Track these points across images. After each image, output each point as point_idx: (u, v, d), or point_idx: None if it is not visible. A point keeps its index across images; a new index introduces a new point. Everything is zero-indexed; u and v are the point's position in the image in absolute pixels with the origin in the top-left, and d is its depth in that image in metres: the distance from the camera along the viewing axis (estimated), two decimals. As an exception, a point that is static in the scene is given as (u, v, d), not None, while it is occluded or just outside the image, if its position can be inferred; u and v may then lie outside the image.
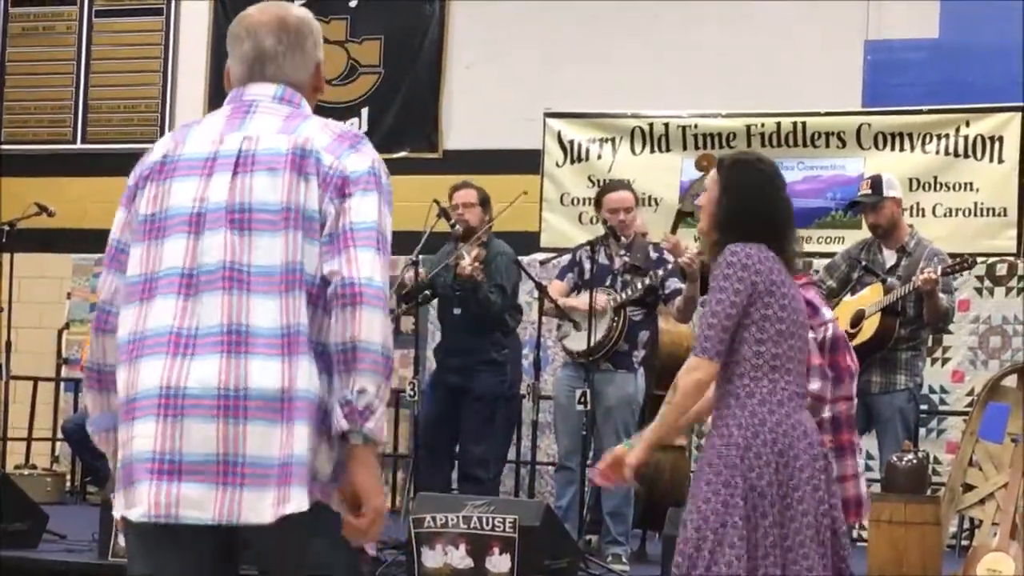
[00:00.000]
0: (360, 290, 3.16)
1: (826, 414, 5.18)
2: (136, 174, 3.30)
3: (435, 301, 9.02)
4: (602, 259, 8.42)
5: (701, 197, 4.74)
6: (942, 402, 9.87)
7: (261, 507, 3.08)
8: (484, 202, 8.74)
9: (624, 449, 4.50)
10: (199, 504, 3.08)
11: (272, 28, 3.37)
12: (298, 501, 3.09)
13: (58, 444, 11.42)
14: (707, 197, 4.61)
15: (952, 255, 7.97)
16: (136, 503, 3.12)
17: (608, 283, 8.38)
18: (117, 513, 3.19)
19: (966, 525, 8.92)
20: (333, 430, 3.13)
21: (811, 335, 4.84)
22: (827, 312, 5.49)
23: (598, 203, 8.58)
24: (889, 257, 7.97)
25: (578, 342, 8.29)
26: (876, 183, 8.03)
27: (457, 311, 8.70)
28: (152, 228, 3.22)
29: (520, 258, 9.00)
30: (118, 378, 3.20)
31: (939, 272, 7.61)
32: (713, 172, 4.67)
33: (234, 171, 3.21)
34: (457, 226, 8.74)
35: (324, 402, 3.14)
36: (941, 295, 7.71)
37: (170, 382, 3.11)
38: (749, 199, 4.52)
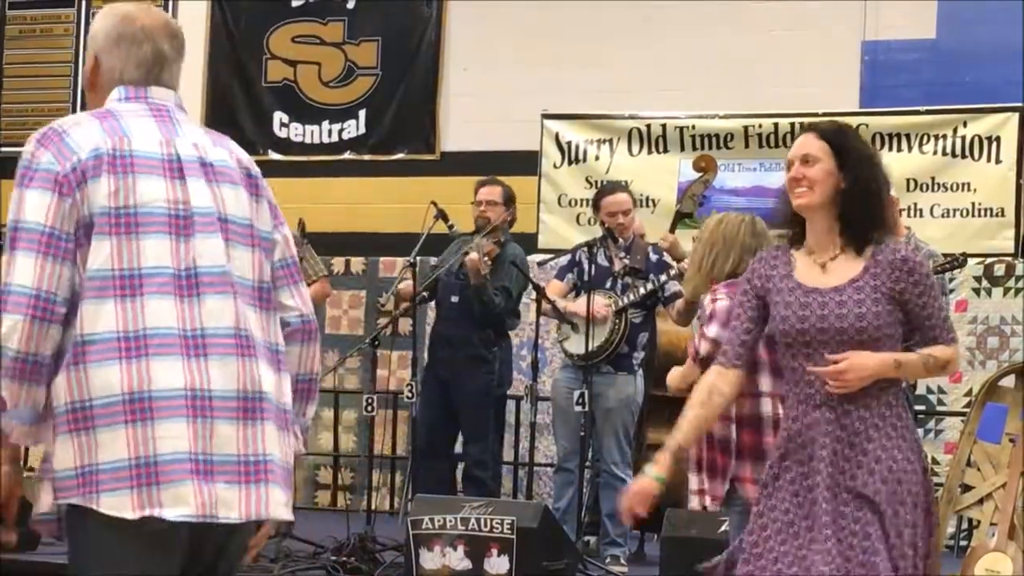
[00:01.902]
0: (314, 326, 3.44)
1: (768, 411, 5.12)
2: (71, 162, 3.16)
3: (435, 289, 8.98)
4: (601, 261, 8.43)
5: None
6: (940, 402, 9.88)
7: (283, 504, 3.21)
8: (508, 200, 8.75)
9: (651, 482, 4.34)
10: (229, 504, 3.13)
11: (166, 33, 3.46)
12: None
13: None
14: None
15: (949, 256, 7.98)
16: (179, 503, 3.07)
17: (608, 286, 8.39)
18: (127, 513, 3.05)
19: (964, 525, 8.92)
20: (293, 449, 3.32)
21: None
22: None
23: (596, 206, 8.59)
24: (885, 258, 7.97)
25: (578, 345, 8.30)
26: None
27: (455, 299, 8.68)
28: (121, 222, 3.15)
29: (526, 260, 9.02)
30: (95, 374, 3.09)
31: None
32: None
33: (207, 178, 3.27)
34: (454, 226, 8.75)
35: None
36: (936, 295, 7.71)
37: (193, 384, 3.12)
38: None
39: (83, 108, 3.49)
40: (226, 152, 3.36)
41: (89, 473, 3.07)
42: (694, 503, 5.30)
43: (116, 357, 3.10)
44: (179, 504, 3.07)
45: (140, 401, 3.09)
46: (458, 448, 9.06)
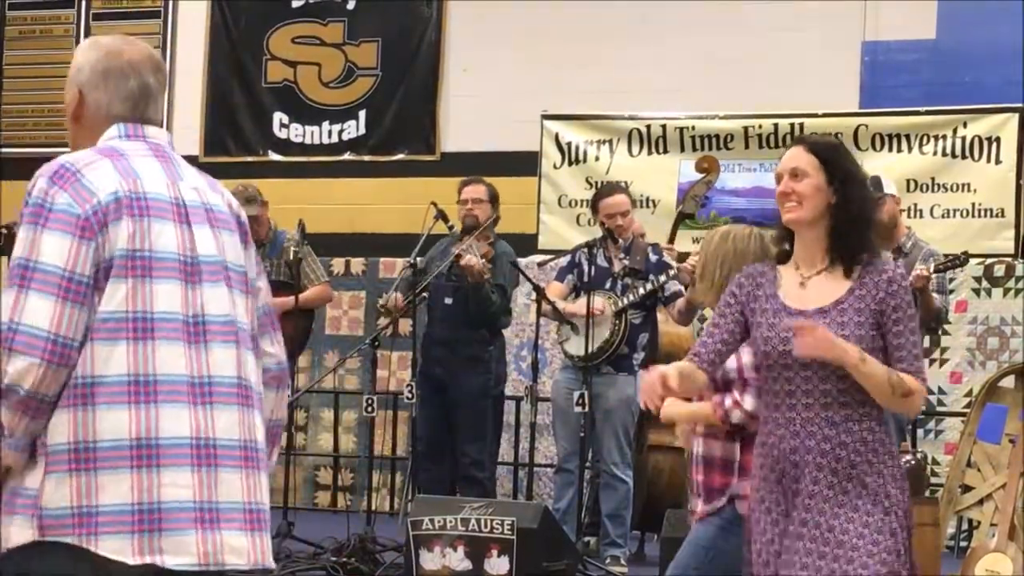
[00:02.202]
0: (288, 373, 3.55)
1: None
2: (91, 207, 3.14)
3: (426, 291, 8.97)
4: (601, 262, 8.43)
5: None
6: (940, 403, 9.88)
7: (269, 552, 3.27)
8: (493, 199, 8.74)
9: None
10: (239, 551, 3.17)
11: (151, 67, 3.41)
12: None
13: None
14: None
15: (950, 256, 7.98)
16: (181, 551, 3.09)
17: (608, 286, 8.39)
18: (127, 558, 3.05)
19: (964, 526, 8.92)
20: None
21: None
22: None
23: (594, 207, 8.59)
24: (886, 258, 7.97)
25: (578, 346, 8.30)
26: (876, 182, 8.04)
27: (448, 300, 8.68)
28: (136, 266, 3.16)
29: (518, 260, 9.00)
30: (103, 416, 3.08)
31: (931, 269, 7.62)
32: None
33: (210, 224, 3.30)
34: (454, 227, 8.74)
35: None
36: (934, 294, 7.72)
37: (199, 432, 3.15)
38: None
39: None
40: (220, 197, 3.39)
41: (88, 515, 3.06)
42: (693, 523, 5.28)
43: (126, 401, 3.10)
44: (181, 553, 3.09)
45: (148, 448, 3.10)
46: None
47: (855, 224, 4.23)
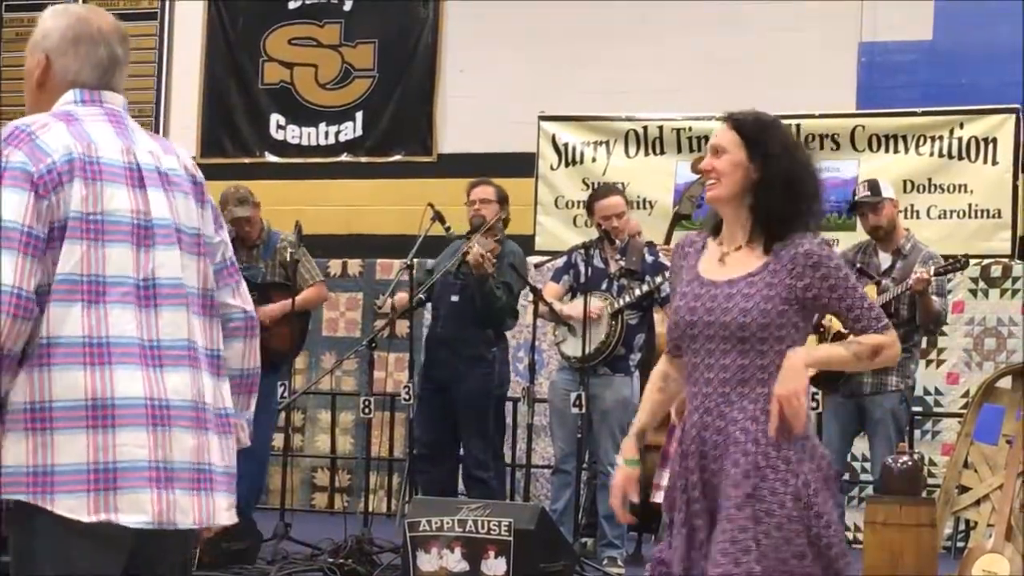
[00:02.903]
0: (256, 322, 3.55)
1: None
2: (45, 167, 3.17)
3: (431, 291, 8.97)
4: (597, 263, 8.43)
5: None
6: (937, 404, 9.89)
7: (228, 510, 3.31)
8: (502, 200, 8.73)
9: (628, 470, 4.26)
10: (185, 510, 3.21)
11: (118, 36, 3.44)
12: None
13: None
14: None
15: (946, 257, 7.98)
16: (136, 510, 3.14)
17: (604, 287, 8.39)
18: (83, 516, 3.10)
19: (961, 527, 8.93)
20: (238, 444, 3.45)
21: None
22: None
23: (590, 209, 8.59)
24: (885, 260, 7.98)
25: (575, 347, 8.30)
26: (874, 185, 8.06)
27: (455, 298, 8.64)
28: (90, 228, 3.18)
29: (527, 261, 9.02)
30: (59, 376, 3.12)
31: (932, 272, 7.62)
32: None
33: (164, 188, 3.32)
34: (451, 228, 8.74)
35: None
36: (934, 297, 7.72)
37: (153, 393, 3.19)
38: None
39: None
40: (175, 159, 3.40)
41: (43, 474, 3.10)
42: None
43: (81, 362, 3.14)
44: (136, 511, 3.14)
45: (103, 408, 3.14)
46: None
47: (778, 201, 4.06)
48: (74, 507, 3.10)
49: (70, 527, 3.10)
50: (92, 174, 3.21)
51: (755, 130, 4.11)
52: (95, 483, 3.12)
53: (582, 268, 8.44)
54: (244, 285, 3.53)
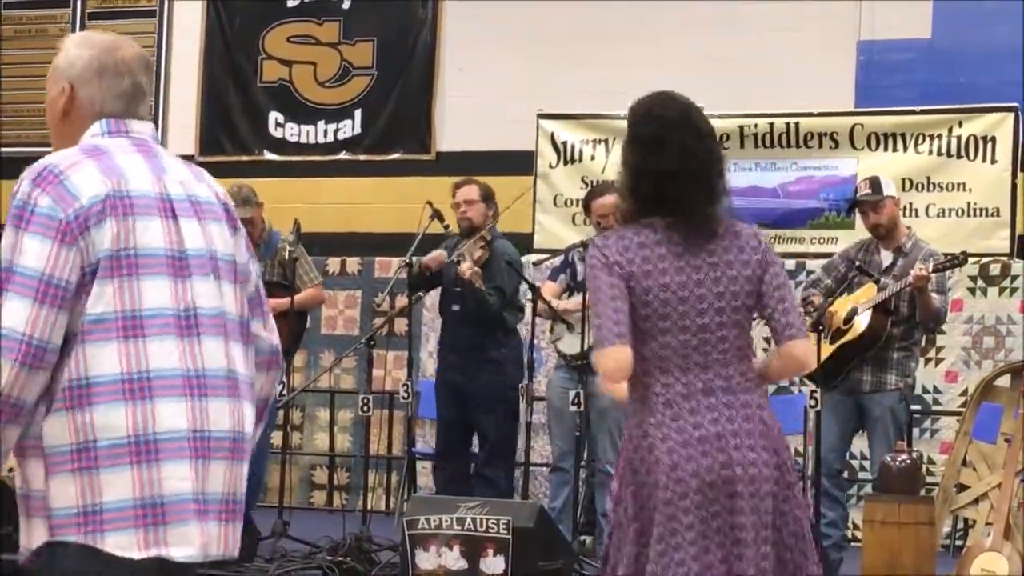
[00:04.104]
0: (280, 356, 3.56)
1: None
2: (74, 211, 3.14)
3: (435, 294, 8.99)
4: (595, 261, 8.43)
5: None
6: (936, 402, 9.88)
7: (238, 542, 3.32)
8: (487, 197, 8.71)
9: None
10: (217, 541, 3.24)
11: (143, 66, 3.41)
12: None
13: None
14: None
15: (946, 255, 7.98)
16: (184, 543, 3.15)
17: (601, 285, 8.39)
18: (133, 553, 3.09)
19: (960, 525, 8.93)
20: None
21: None
22: None
23: (587, 207, 8.59)
24: (886, 257, 7.98)
25: (572, 345, 8.30)
26: (875, 183, 8.05)
27: (456, 307, 8.68)
28: (121, 264, 3.16)
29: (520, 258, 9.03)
30: (100, 415, 3.10)
31: (931, 269, 7.62)
32: None
33: (197, 217, 3.31)
34: (449, 226, 8.74)
35: None
36: (934, 295, 7.72)
37: (196, 425, 3.19)
38: None
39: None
40: (206, 187, 3.39)
41: (93, 512, 3.10)
42: None
43: (121, 399, 3.12)
44: (185, 544, 3.16)
45: (145, 443, 3.13)
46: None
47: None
48: (125, 544, 3.11)
49: (122, 565, 3.10)
50: (124, 209, 3.19)
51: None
52: (143, 518, 3.12)
53: (579, 267, 8.44)
54: (272, 317, 3.54)
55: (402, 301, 8.61)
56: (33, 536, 3.17)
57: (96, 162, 3.22)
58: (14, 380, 3.06)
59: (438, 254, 8.63)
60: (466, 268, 8.37)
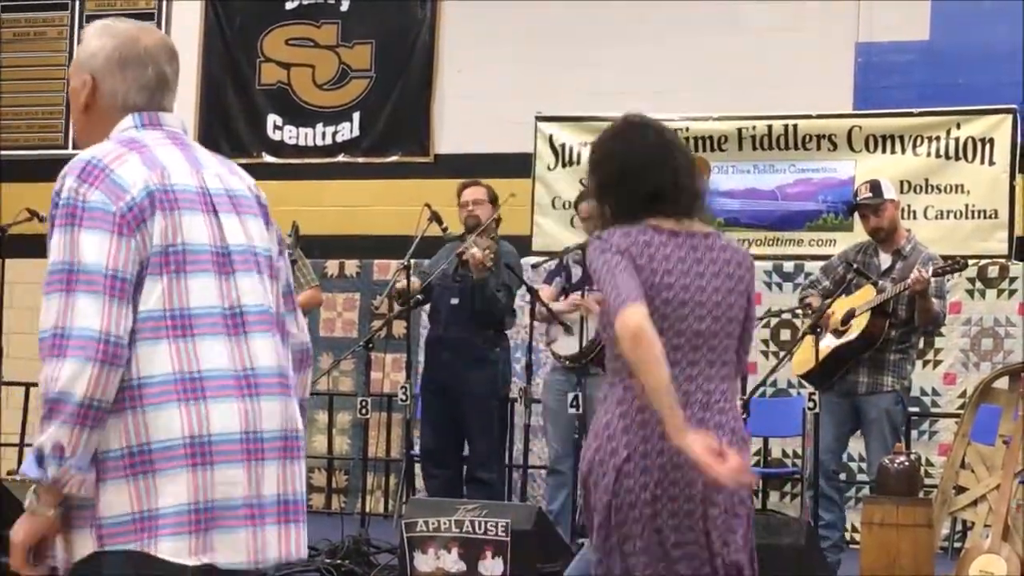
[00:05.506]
0: (311, 353, 3.47)
1: None
2: (126, 204, 3.06)
3: (429, 292, 8.97)
4: (590, 263, 8.43)
5: None
6: (934, 404, 9.88)
7: (303, 544, 3.22)
8: (493, 200, 8.75)
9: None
10: (272, 546, 3.15)
11: (167, 56, 3.29)
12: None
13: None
14: None
15: (944, 257, 7.98)
16: (231, 549, 3.07)
17: (596, 288, 8.39)
18: (185, 559, 3.01)
19: (958, 527, 8.93)
20: None
21: None
22: None
23: (578, 209, 8.61)
24: (885, 260, 7.98)
25: (567, 347, 8.30)
26: (875, 186, 8.06)
27: (455, 301, 8.65)
28: (169, 261, 3.08)
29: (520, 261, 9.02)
30: (154, 417, 3.03)
31: (930, 272, 7.62)
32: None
33: (236, 211, 3.23)
34: (448, 229, 8.74)
35: None
36: (933, 299, 7.72)
37: (248, 426, 3.11)
38: None
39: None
40: (239, 180, 3.31)
41: (148, 518, 3.02)
42: None
43: (175, 399, 3.04)
44: (231, 551, 3.08)
45: (201, 445, 3.05)
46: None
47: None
48: (177, 550, 3.02)
49: (174, 571, 3.01)
50: (169, 204, 3.11)
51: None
52: (196, 524, 3.03)
53: (574, 269, 8.44)
54: (301, 313, 3.46)
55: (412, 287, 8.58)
56: (76, 547, 3.06)
57: (139, 155, 3.14)
58: (95, 381, 2.97)
59: (403, 284, 8.54)
60: (478, 253, 8.31)
